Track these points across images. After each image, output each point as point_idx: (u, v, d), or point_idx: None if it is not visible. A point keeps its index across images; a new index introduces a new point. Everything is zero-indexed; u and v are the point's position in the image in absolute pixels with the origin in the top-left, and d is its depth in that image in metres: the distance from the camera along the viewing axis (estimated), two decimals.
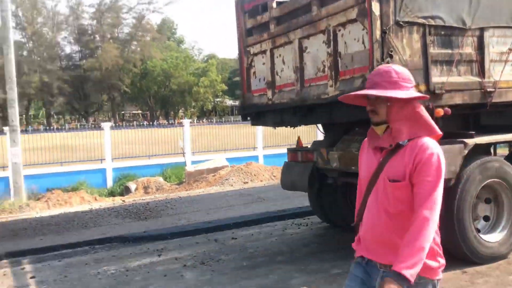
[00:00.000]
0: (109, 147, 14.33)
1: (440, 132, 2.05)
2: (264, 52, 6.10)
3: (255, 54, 6.31)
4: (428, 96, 2.12)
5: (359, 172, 2.27)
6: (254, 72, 6.42)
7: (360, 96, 2.10)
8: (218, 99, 54.83)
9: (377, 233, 2.04)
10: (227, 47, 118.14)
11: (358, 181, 2.29)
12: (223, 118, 33.87)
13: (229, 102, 57.63)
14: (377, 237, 2.04)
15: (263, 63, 6.16)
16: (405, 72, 2.04)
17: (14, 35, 38.35)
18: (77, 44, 48.21)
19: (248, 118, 6.83)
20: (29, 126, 35.78)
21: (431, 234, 1.90)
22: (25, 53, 45.07)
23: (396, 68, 2.03)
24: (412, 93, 2.01)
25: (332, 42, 4.91)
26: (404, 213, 1.97)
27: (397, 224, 1.98)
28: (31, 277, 5.51)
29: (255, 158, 15.73)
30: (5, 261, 6.22)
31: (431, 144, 1.97)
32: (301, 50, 5.42)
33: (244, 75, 6.55)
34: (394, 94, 1.96)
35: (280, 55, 5.86)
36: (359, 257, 2.16)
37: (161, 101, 51.12)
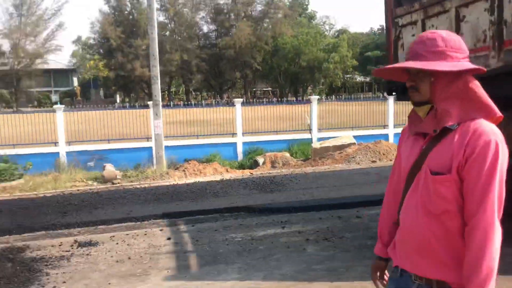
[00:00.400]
0: (240, 122, 14.95)
1: (500, 114, 1.63)
2: (414, 23, 5.79)
3: (404, 26, 6.02)
4: (485, 69, 1.63)
5: (394, 164, 1.94)
6: (402, 44, 6.13)
7: (398, 69, 1.73)
8: (348, 76, 53.70)
9: (414, 237, 1.67)
10: (359, 22, 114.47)
11: (391, 176, 1.96)
12: (352, 95, 33.10)
13: (359, 78, 56.13)
14: (414, 242, 1.67)
15: (413, 35, 5.85)
16: (455, 39, 1.64)
17: (158, 17, 41.67)
18: (213, 23, 50.69)
19: (393, 94, 6.58)
20: (170, 102, 38.80)
21: (498, 246, 1.51)
22: (167, 33, 48.66)
23: (444, 35, 1.64)
24: (462, 64, 1.61)
25: (496, 9, 4.47)
26: (449, 214, 1.59)
27: (440, 227, 1.60)
28: (168, 238, 6.03)
29: (385, 136, 15.17)
30: (146, 222, 6.91)
31: (487, 129, 1.55)
32: (458, 20, 5.03)
33: (391, 47, 6.30)
34: (438, 66, 1.58)
35: (432, 25, 5.50)
36: (394, 267, 1.81)
37: (290, 78, 51.67)
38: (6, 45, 42.49)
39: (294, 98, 34.42)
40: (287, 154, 13.97)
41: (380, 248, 1.99)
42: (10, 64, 42.16)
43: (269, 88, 58.49)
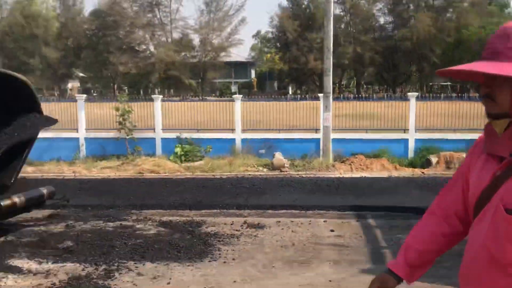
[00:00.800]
0: (413, 117, 14.17)
1: None
2: None
3: None
4: None
5: (454, 177, 1.50)
6: None
7: (472, 71, 1.27)
8: None
9: (473, 284, 1.30)
10: None
11: (447, 189, 1.51)
12: None
13: None
14: None
15: None
16: None
17: (334, 10, 41.71)
18: (390, 14, 48.88)
19: None
20: (341, 95, 38.74)
21: None
22: (342, 25, 48.50)
23: None
24: None
25: None
26: None
27: (506, 281, 1.20)
28: (331, 230, 6.06)
29: None
30: (310, 211, 7.03)
31: None
32: None
33: None
34: None
35: None
36: None
37: None
38: (196, 40, 47.27)
39: (477, 94, 31.32)
40: (465, 155, 12.80)
41: (398, 263, 1.55)
42: (199, 56, 46.78)
43: (448, 83, 54.25)
